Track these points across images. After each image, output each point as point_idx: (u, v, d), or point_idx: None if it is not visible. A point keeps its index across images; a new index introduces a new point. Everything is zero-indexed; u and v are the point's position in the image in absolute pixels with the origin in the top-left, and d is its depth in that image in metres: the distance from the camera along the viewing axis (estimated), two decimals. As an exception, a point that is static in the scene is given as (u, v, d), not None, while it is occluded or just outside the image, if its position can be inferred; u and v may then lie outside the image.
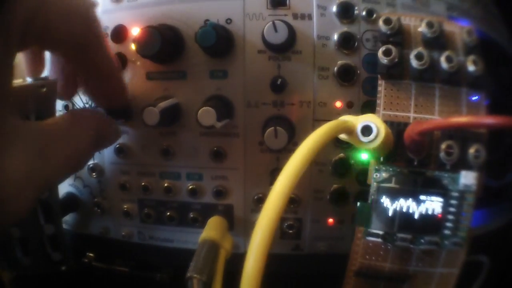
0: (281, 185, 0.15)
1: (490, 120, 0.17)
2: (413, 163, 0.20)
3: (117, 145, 0.23)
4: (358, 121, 0.18)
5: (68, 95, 0.23)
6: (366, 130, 0.18)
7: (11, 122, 0.15)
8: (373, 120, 0.18)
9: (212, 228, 0.21)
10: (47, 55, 0.22)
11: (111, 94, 0.21)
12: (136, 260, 0.25)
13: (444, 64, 0.20)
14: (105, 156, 0.23)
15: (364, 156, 0.21)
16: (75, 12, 0.17)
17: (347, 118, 0.19)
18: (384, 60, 0.20)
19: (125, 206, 0.24)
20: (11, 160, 0.14)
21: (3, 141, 0.14)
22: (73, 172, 0.23)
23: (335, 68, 0.21)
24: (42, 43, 0.17)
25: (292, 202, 0.22)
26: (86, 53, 0.18)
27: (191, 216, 0.23)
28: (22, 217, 0.15)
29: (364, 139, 0.18)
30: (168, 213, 0.23)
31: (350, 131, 0.18)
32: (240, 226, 0.23)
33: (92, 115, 0.20)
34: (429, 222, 0.20)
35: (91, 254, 0.25)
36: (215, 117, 0.19)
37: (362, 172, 0.22)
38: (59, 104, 0.23)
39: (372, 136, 0.18)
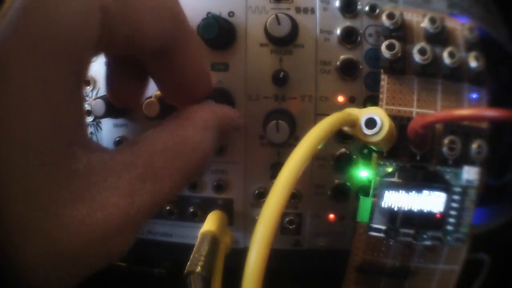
0: (284, 178, 0.14)
1: (493, 112, 0.16)
2: (415, 157, 0.19)
3: (117, 138, 0.21)
4: (362, 113, 0.17)
5: (132, 103, 0.18)
6: (370, 123, 0.17)
7: (81, 158, 0.11)
8: (377, 113, 0.17)
9: (212, 222, 0.20)
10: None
11: (199, 90, 0.16)
12: (135, 255, 0.24)
13: (446, 59, 0.19)
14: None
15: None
16: (163, 6, 0.13)
17: (351, 110, 0.18)
18: (387, 54, 0.19)
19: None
20: (84, 212, 0.10)
21: (71, 189, 0.10)
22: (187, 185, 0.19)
23: (338, 63, 0.20)
24: (123, 51, 0.13)
25: (293, 197, 0.21)
26: (174, 55, 0.14)
27: (191, 210, 0.22)
28: (125, 252, 0.12)
29: (368, 132, 0.17)
30: (167, 207, 0.22)
31: (353, 123, 0.17)
32: (240, 221, 0.22)
33: (213, 113, 0.15)
34: (431, 218, 0.19)
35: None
36: None
37: (364, 167, 0.21)
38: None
39: (376, 129, 0.17)
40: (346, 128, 0.18)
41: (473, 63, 0.20)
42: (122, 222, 0.11)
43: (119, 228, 0.11)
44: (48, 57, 0.10)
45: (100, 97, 0.19)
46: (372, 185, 0.19)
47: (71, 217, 0.10)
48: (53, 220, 0.10)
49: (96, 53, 0.12)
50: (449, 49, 0.20)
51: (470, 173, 0.19)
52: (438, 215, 0.19)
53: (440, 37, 0.20)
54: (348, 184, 0.21)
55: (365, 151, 0.21)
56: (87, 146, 0.11)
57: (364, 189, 0.20)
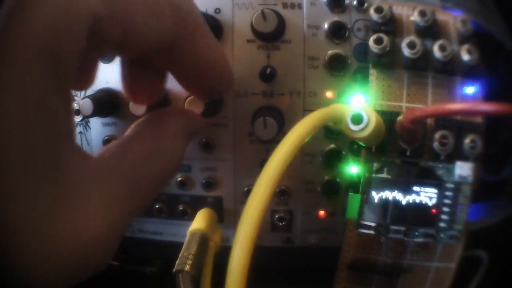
0: (268, 174, 0.14)
1: (487, 107, 0.16)
2: (405, 153, 0.19)
3: (106, 137, 0.21)
4: (348, 109, 0.17)
5: (149, 100, 0.17)
6: (357, 118, 0.17)
7: (72, 163, 0.11)
8: (364, 108, 0.17)
9: (201, 220, 0.20)
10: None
11: (219, 82, 0.16)
12: (126, 254, 0.24)
13: (437, 53, 0.19)
14: (93, 148, 0.22)
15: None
16: (161, 3, 0.12)
17: (337, 106, 0.17)
18: (375, 48, 0.19)
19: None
20: (78, 216, 0.11)
21: (64, 193, 0.10)
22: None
23: (326, 58, 0.20)
24: (126, 51, 0.13)
25: (283, 193, 0.21)
26: (182, 50, 0.14)
27: (180, 208, 0.22)
28: (110, 260, 0.12)
29: (354, 127, 0.17)
30: (157, 206, 0.22)
31: (340, 119, 0.17)
32: (230, 219, 0.22)
33: (184, 121, 0.15)
34: (423, 214, 0.18)
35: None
36: (203, 107, 0.18)
37: (354, 163, 0.20)
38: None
39: (362, 125, 0.17)
40: (331, 124, 0.17)
41: (465, 57, 0.19)
42: (108, 229, 0.11)
43: (106, 235, 0.11)
44: (31, 59, 0.10)
45: (88, 96, 0.19)
46: (361, 181, 0.19)
47: (64, 225, 0.10)
48: (48, 229, 0.10)
49: (86, 55, 0.11)
50: (440, 42, 0.19)
51: (463, 169, 0.19)
52: (430, 212, 0.19)
53: (431, 30, 0.20)
54: (338, 180, 0.21)
55: (355, 146, 0.20)
56: (76, 153, 0.11)
57: (353, 185, 0.20)
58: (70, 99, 0.11)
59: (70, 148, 0.11)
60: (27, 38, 0.10)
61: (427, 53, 0.19)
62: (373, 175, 0.19)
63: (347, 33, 0.20)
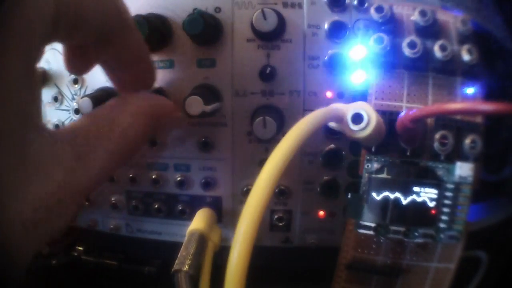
0: (267, 173, 0.14)
1: (487, 106, 0.16)
2: (405, 153, 0.19)
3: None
4: (349, 108, 0.17)
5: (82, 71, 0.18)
6: (357, 118, 0.17)
7: (33, 140, 0.12)
8: (364, 108, 0.17)
9: (200, 220, 0.20)
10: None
11: (142, 78, 0.18)
12: (124, 253, 0.24)
13: (437, 53, 0.19)
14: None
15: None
16: None
17: (338, 105, 0.17)
18: (375, 48, 0.19)
19: (112, 198, 0.23)
20: (37, 185, 0.12)
21: (26, 167, 0.11)
22: (119, 167, 0.21)
23: (326, 57, 0.20)
24: (72, 36, 0.14)
25: (282, 193, 0.21)
26: (119, 38, 0.15)
27: (179, 208, 0.22)
28: (59, 235, 0.13)
29: (354, 127, 0.17)
30: (156, 205, 0.22)
31: (340, 119, 0.17)
32: (229, 218, 0.22)
33: (146, 100, 0.16)
34: (423, 215, 0.18)
35: (80, 248, 0.24)
36: (202, 105, 0.18)
37: (354, 163, 0.20)
38: (48, 95, 0.22)
39: (362, 124, 0.16)
40: (332, 124, 0.17)
41: (466, 56, 0.19)
42: (64, 194, 0.13)
43: (64, 198, 0.13)
44: (3, 37, 0.10)
45: (87, 95, 0.19)
46: (361, 181, 0.19)
47: (27, 193, 0.12)
48: (13, 196, 0.11)
49: (49, 38, 0.12)
50: (440, 42, 0.19)
51: (463, 169, 0.19)
52: (429, 212, 0.18)
53: (431, 30, 0.20)
54: (337, 180, 0.21)
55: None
56: (38, 127, 0.12)
57: (353, 185, 0.20)
58: (35, 82, 0.12)
59: (35, 127, 0.12)
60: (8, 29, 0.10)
61: (427, 53, 0.19)
62: (373, 175, 0.19)
63: (347, 33, 0.20)
